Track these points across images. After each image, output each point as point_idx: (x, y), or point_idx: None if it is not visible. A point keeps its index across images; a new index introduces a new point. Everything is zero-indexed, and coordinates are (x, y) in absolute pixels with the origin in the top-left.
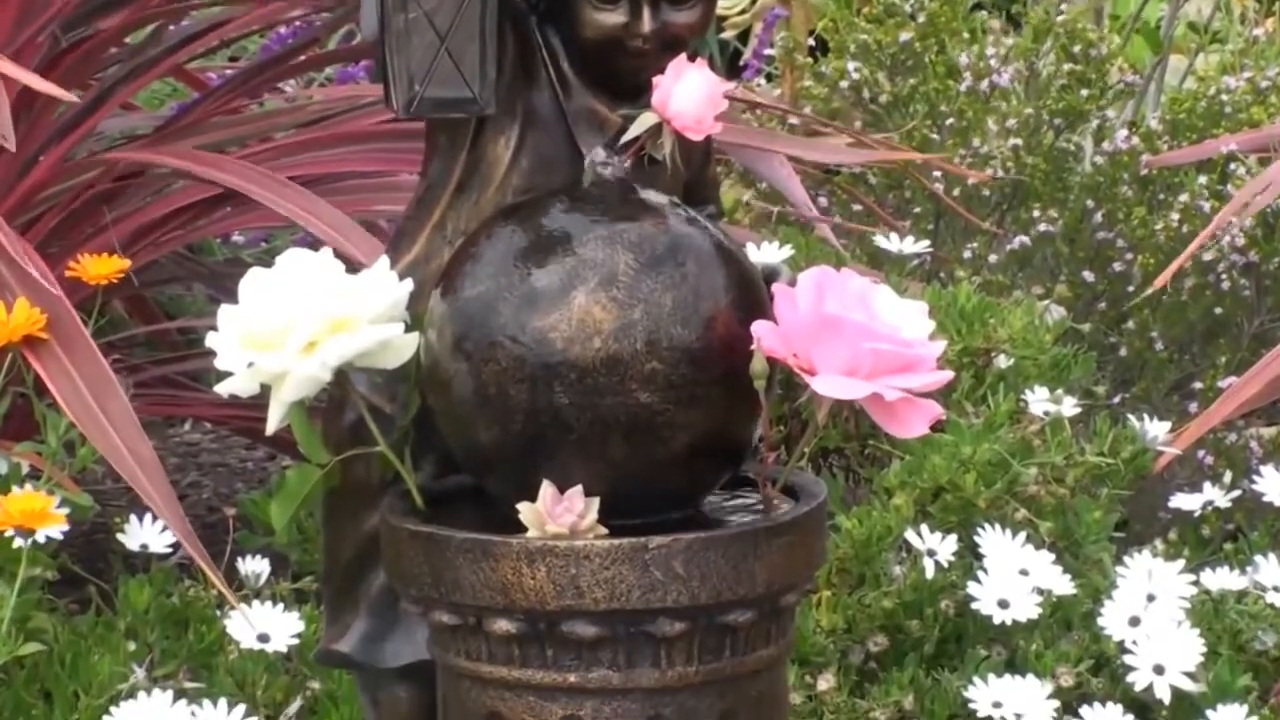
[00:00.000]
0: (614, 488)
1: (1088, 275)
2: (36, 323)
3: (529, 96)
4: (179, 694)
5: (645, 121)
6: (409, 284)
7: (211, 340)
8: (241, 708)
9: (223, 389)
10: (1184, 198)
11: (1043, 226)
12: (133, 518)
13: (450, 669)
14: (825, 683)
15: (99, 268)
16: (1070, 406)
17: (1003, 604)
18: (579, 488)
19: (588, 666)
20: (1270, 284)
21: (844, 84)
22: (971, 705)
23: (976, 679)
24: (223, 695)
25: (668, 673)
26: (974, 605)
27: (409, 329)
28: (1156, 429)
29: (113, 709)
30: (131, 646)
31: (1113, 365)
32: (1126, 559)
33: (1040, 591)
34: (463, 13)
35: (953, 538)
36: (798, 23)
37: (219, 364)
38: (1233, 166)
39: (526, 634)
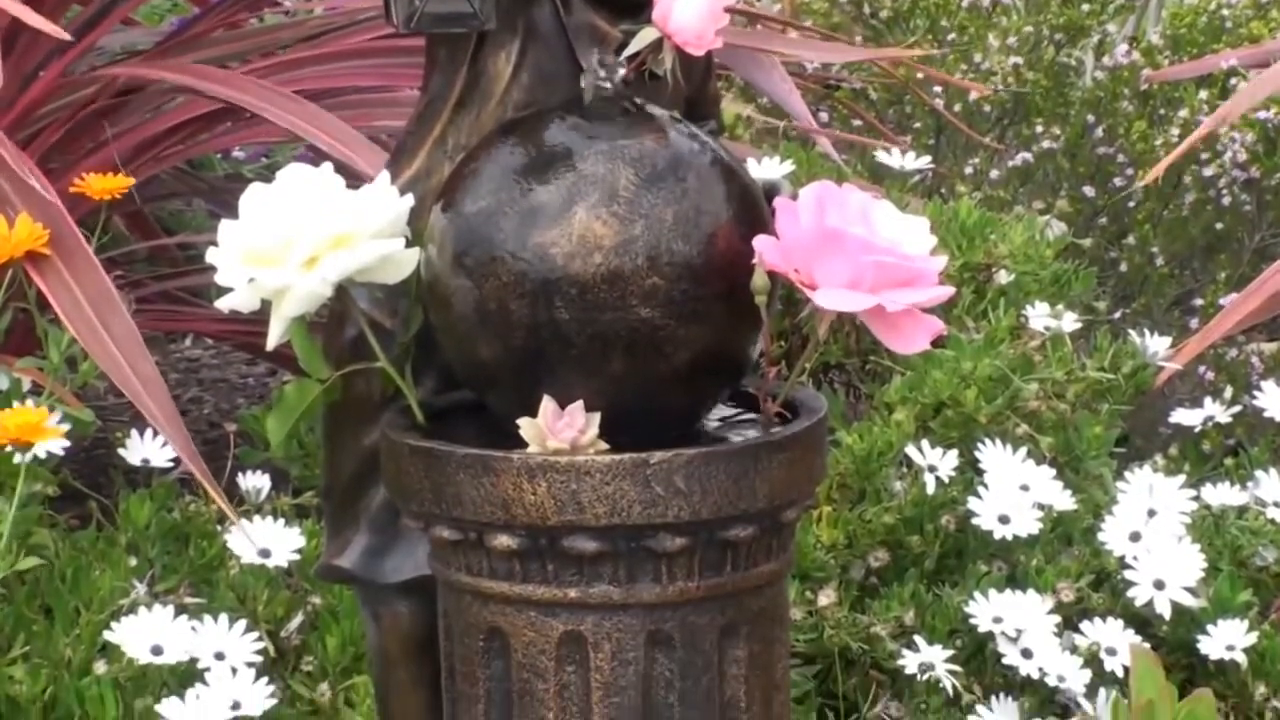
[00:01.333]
0: (614, 403)
1: (1088, 190)
2: (38, 238)
3: (529, 11)
4: (180, 609)
5: (646, 37)
6: (409, 199)
7: (212, 256)
8: (242, 623)
9: (223, 304)
10: (1184, 113)
11: (1044, 142)
12: (134, 433)
13: (451, 584)
14: (826, 598)
15: (102, 184)
16: (1071, 322)
17: (1003, 519)
18: (580, 403)
19: (588, 582)
20: (1271, 199)
21: None
22: (972, 620)
23: (977, 594)
24: (223, 610)
25: (669, 588)
26: (974, 520)
27: (410, 244)
28: (1157, 344)
29: (113, 624)
30: (132, 562)
31: (1113, 280)
32: (1127, 474)
33: (1041, 507)
34: None
35: (953, 453)
36: None
37: (219, 279)
38: (1233, 82)
39: (527, 549)
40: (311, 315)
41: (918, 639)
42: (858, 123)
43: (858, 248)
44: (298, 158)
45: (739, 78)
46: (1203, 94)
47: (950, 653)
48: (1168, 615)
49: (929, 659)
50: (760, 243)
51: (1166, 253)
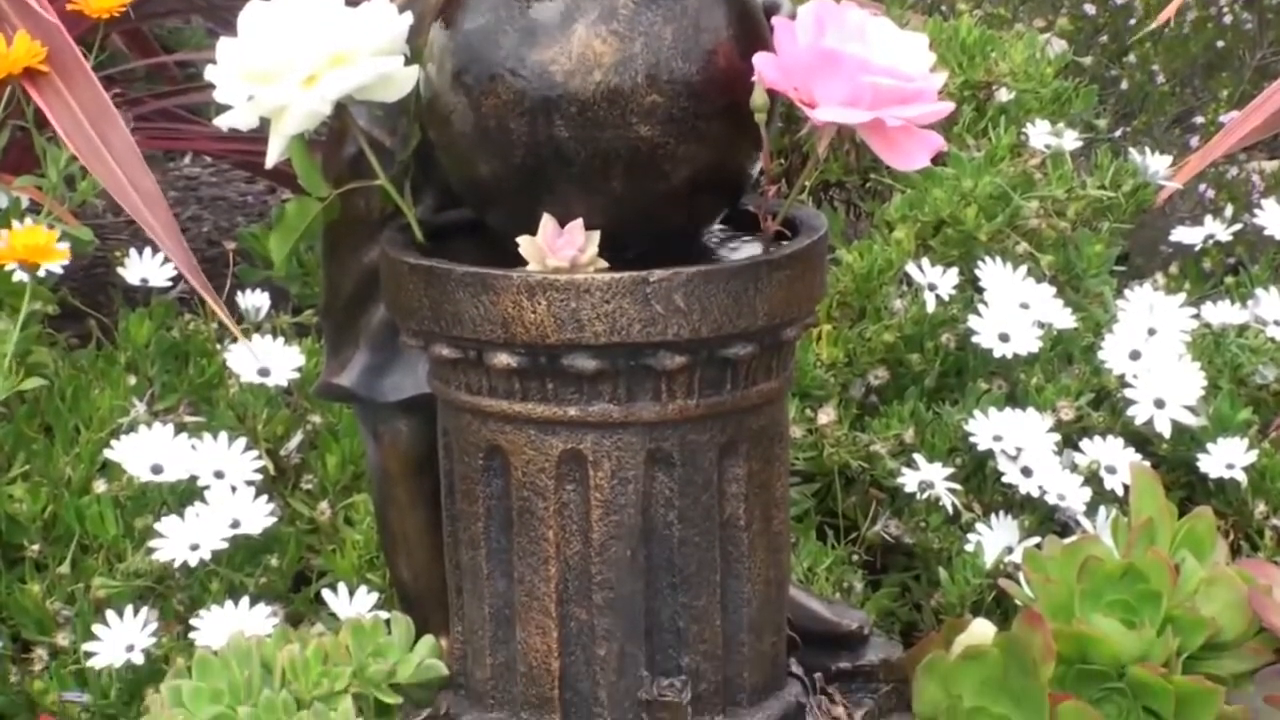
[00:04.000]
0: (614, 222)
1: (1089, 8)
2: (36, 55)
3: None
4: (179, 428)
5: None
6: (409, 17)
7: (211, 74)
8: (242, 441)
9: (222, 122)
10: None
11: None
12: (133, 251)
13: (451, 403)
14: (826, 416)
15: (100, 1)
16: (1071, 140)
17: (1003, 337)
18: (579, 221)
19: (588, 400)
20: (1272, 17)
21: None
22: (972, 439)
23: (977, 412)
24: (223, 429)
25: (668, 406)
26: (974, 339)
27: (409, 62)
28: (1157, 163)
29: (113, 443)
30: (132, 380)
31: (1114, 99)
32: (1127, 293)
33: (1041, 325)
34: None
35: (953, 271)
36: None
37: (218, 97)
38: None
39: (527, 368)
40: (311, 133)
41: (917, 457)
42: None
43: (856, 67)
44: None
45: None
46: None
47: (950, 471)
48: (1168, 433)
49: (929, 477)
50: (759, 60)
51: (1167, 70)
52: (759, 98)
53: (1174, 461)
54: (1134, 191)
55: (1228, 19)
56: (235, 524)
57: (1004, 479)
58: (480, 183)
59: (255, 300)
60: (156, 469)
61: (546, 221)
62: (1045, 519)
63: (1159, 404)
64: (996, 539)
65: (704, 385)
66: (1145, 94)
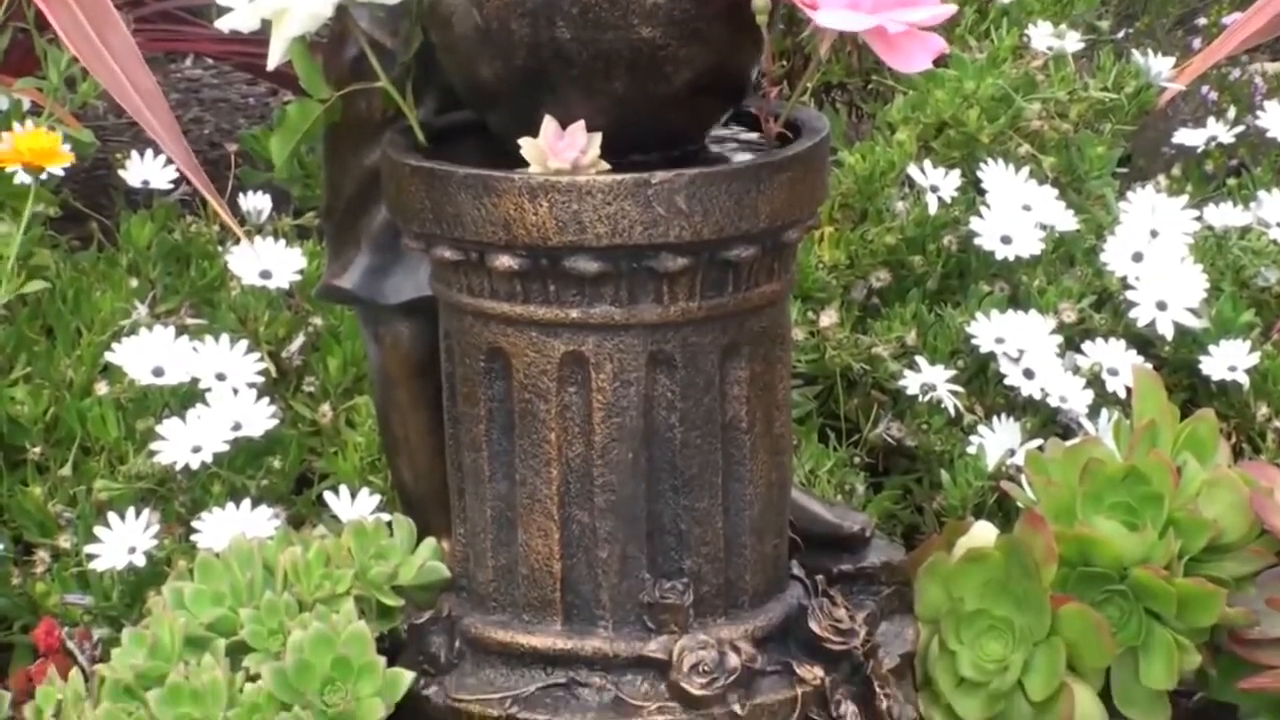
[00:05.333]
0: (616, 124)
1: None
2: None
3: None
4: (181, 330)
5: None
6: None
7: None
8: (243, 343)
9: (224, 24)
10: None
11: None
12: (134, 153)
13: (452, 305)
14: (828, 318)
15: None
16: (1073, 42)
17: (1005, 239)
18: (581, 123)
19: (590, 302)
20: None
21: None
22: (974, 341)
23: (979, 314)
24: (224, 331)
25: (670, 308)
26: (977, 241)
27: None
28: (1160, 64)
29: (115, 345)
30: (133, 283)
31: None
32: (1129, 195)
33: (1043, 227)
34: None
35: (955, 173)
36: None
37: None
38: None
39: (528, 270)
40: (312, 35)
41: (919, 359)
42: None
43: None
44: None
45: None
46: None
47: (952, 373)
48: (1170, 336)
49: (931, 379)
50: None
51: None
52: (761, 0)
53: (1176, 364)
54: (1136, 93)
55: None
56: (237, 426)
57: (1006, 381)
58: (482, 84)
59: (256, 202)
60: (158, 371)
61: (548, 123)
62: (1047, 421)
63: (1161, 306)
64: (998, 441)
65: (706, 287)
66: None
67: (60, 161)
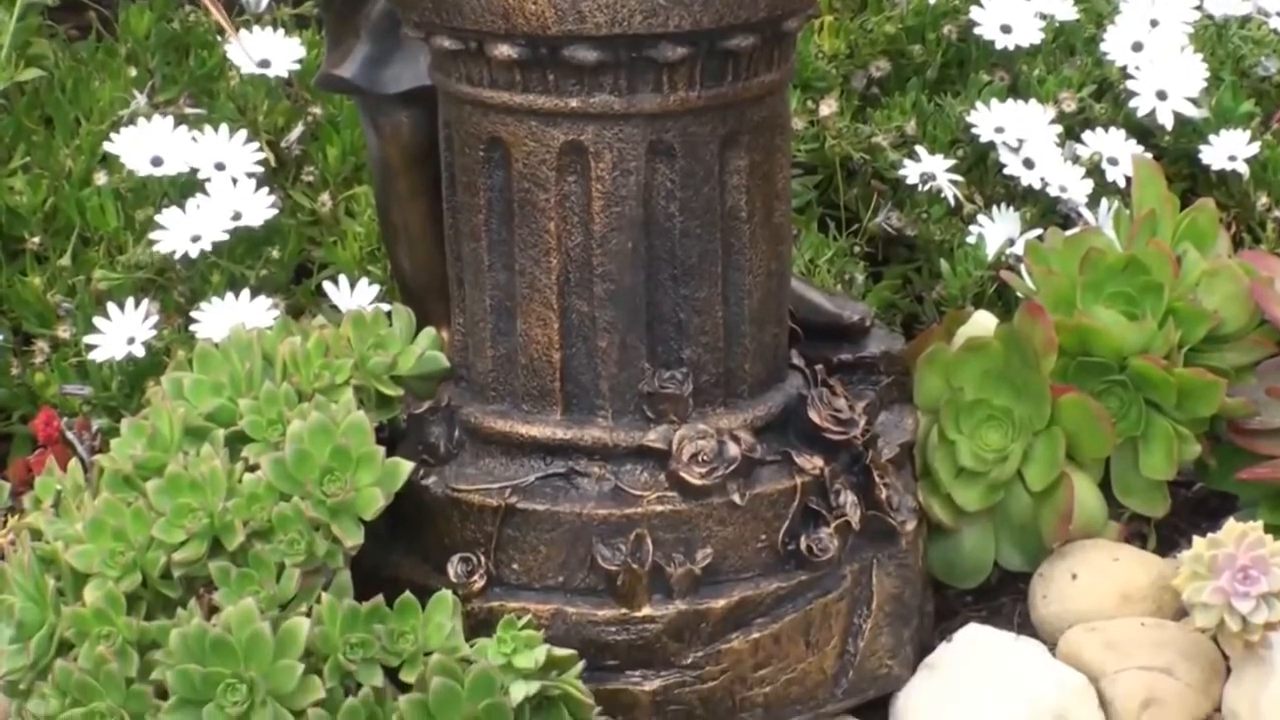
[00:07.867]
0: None
1: None
2: None
3: None
4: (180, 119)
5: None
6: None
7: None
8: (243, 133)
9: None
10: None
11: None
12: None
13: (452, 95)
14: (828, 108)
15: None
16: None
17: (1005, 29)
18: None
19: (589, 91)
20: None
21: None
22: (974, 130)
23: (979, 104)
24: (224, 121)
25: (669, 97)
26: (977, 30)
27: None
28: None
29: (113, 134)
30: (132, 72)
31: None
32: None
33: (1043, 16)
34: None
35: None
36: None
37: None
38: None
39: (528, 59)
40: None
41: (919, 149)
42: None
43: None
44: None
45: None
46: None
47: (952, 162)
48: (1170, 125)
49: (930, 168)
50: None
51: None
52: None
53: (1176, 153)
54: None
55: None
56: (236, 216)
57: (1006, 171)
58: None
59: None
60: (157, 161)
61: None
62: (1047, 211)
63: (1161, 95)
64: (998, 231)
65: (705, 77)
66: None
67: None
